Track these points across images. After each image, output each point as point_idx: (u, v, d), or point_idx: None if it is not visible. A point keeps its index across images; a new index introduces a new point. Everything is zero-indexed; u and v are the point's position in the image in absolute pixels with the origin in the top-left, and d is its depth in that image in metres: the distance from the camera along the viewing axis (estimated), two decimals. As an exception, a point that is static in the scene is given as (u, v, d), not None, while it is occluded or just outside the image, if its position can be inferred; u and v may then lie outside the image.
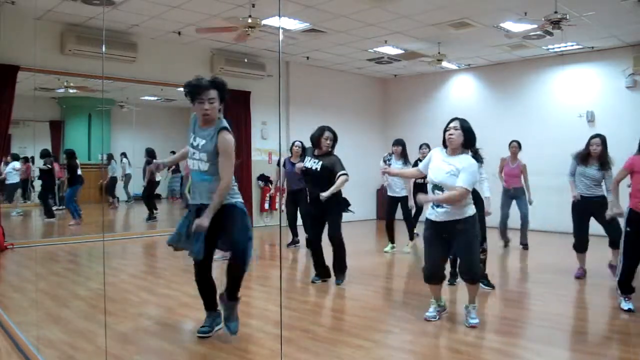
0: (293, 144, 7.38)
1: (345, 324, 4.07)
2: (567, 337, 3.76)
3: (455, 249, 3.84)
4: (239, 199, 3.46)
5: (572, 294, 5.05)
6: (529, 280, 5.77)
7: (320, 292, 5.04)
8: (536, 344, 3.49)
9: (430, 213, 3.85)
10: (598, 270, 5.55)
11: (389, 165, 7.06)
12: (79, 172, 9.27)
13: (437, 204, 3.75)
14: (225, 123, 3.39)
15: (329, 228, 5.15)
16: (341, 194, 5.11)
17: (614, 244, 5.12)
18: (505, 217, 7.48)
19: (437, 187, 3.75)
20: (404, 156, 7.09)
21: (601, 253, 5.62)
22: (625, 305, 4.24)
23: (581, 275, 5.51)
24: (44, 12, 7.14)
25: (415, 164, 7.46)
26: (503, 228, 7.57)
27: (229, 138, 3.32)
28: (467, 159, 3.71)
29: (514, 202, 7.46)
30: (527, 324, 4.04)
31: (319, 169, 5.02)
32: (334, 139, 5.13)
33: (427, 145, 7.62)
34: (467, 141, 3.74)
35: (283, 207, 7.71)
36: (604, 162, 5.22)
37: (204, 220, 3.23)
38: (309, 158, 5.16)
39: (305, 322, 4.05)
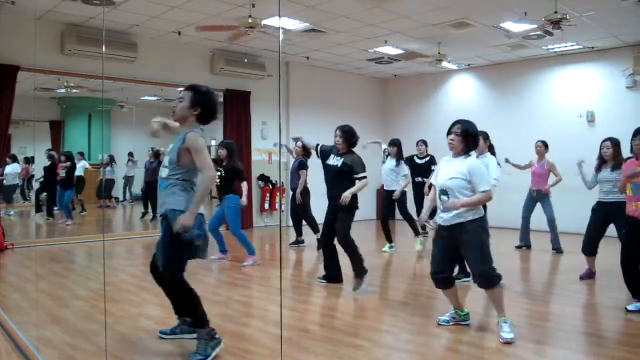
0: (296, 143, 7.34)
1: (345, 324, 4.07)
2: (567, 337, 3.75)
3: (463, 251, 3.72)
4: (174, 205, 3.12)
5: (576, 294, 5.03)
6: (531, 280, 5.76)
7: (320, 292, 5.04)
8: (536, 344, 3.49)
9: (439, 217, 3.75)
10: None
11: (384, 161, 7.31)
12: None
13: (444, 209, 3.66)
14: (197, 129, 3.23)
15: (337, 233, 5.06)
16: (357, 198, 5.07)
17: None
18: (525, 220, 7.20)
19: (443, 191, 3.66)
20: (399, 156, 7.16)
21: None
22: (632, 307, 4.25)
23: (587, 276, 5.44)
24: (44, 12, 7.14)
25: (410, 159, 7.52)
26: (524, 230, 7.29)
27: (194, 136, 3.15)
28: (471, 162, 3.62)
29: (537, 206, 7.13)
30: (527, 324, 4.02)
31: (339, 165, 5.05)
32: (344, 137, 5.08)
33: (424, 142, 7.61)
34: (468, 146, 3.65)
35: (283, 207, 7.72)
36: (617, 164, 4.97)
37: (186, 218, 3.02)
38: (332, 155, 5.16)
39: (305, 322, 4.06)
